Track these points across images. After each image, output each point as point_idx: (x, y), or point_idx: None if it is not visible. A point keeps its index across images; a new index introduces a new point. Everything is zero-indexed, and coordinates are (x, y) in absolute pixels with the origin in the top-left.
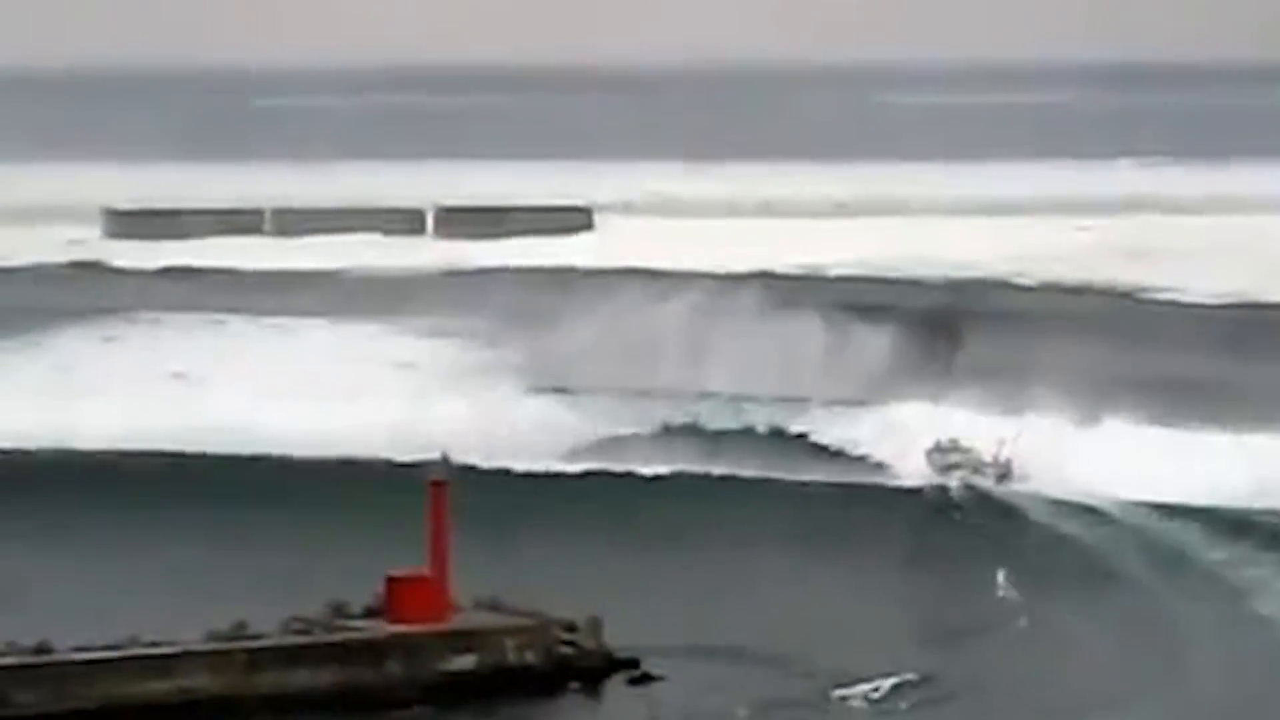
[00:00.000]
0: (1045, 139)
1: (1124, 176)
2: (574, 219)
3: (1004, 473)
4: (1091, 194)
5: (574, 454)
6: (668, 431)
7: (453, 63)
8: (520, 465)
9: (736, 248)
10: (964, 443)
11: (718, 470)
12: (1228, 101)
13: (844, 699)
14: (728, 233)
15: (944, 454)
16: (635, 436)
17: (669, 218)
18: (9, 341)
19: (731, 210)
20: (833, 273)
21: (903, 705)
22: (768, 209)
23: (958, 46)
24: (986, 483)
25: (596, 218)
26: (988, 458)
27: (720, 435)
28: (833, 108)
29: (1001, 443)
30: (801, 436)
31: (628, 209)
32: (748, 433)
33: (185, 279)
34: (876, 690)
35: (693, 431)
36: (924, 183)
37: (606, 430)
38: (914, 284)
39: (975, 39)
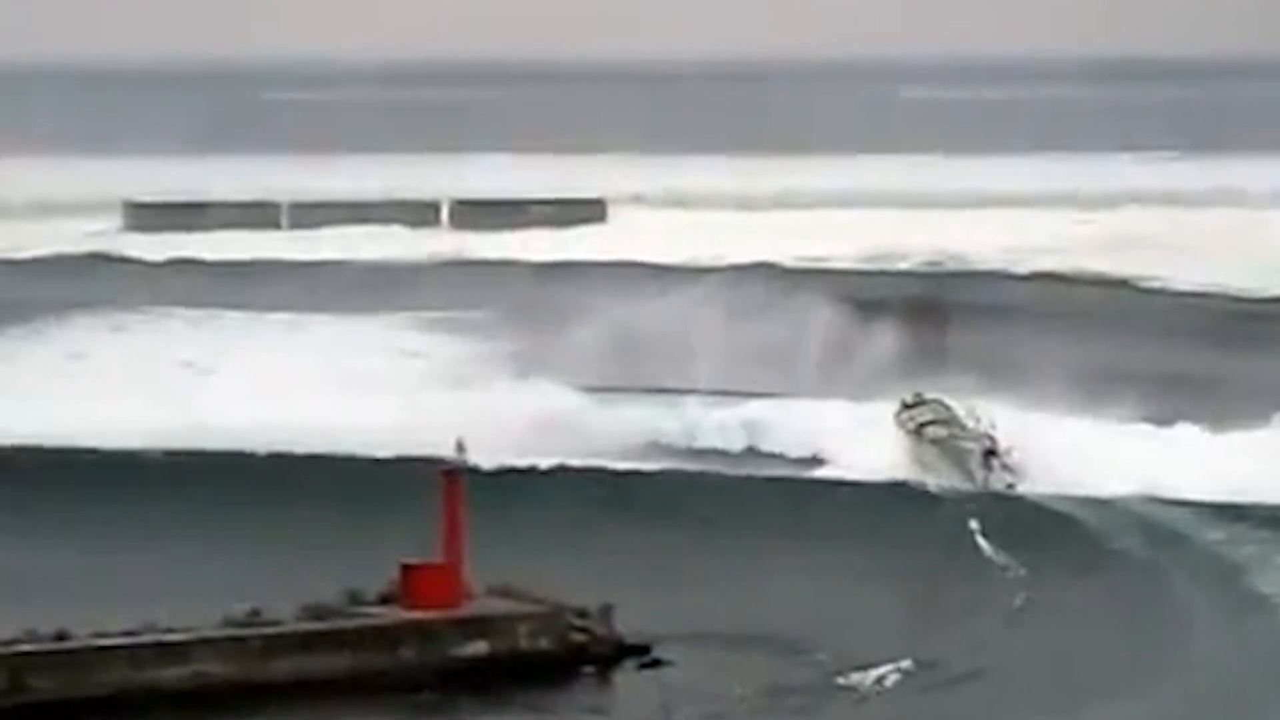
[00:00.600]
0: (1048, 133)
1: (1126, 170)
2: (588, 211)
3: (991, 449)
4: (1093, 187)
5: (550, 449)
6: (647, 425)
7: (464, 57)
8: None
9: (745, 240)
10: (929, 395)
11: (696, 466)
12: (1228, 95)
13: (849, 685)
14: (739, 225)
15: (911, 410)
16: (616, 431)
17: (683, 210)
18: (18, 329)
19: (744, 203)
20: (835, 265)
21: (905, 691)
22: (779, 201)
23: (965, 42)
24: (971, 455)
25: (610, 210)
26: (969, 422)
27: (700, 430)
28: (845, 102)
29: (978, 418)
30: (783, 432)
31: (643, 201)
32: (729, 429)
33: (197, 271)
34: (882, 678)
35: (672, 426)
36: (932, 176)
37: (589, 425)
38: (913, 276)
39: (980, 35)
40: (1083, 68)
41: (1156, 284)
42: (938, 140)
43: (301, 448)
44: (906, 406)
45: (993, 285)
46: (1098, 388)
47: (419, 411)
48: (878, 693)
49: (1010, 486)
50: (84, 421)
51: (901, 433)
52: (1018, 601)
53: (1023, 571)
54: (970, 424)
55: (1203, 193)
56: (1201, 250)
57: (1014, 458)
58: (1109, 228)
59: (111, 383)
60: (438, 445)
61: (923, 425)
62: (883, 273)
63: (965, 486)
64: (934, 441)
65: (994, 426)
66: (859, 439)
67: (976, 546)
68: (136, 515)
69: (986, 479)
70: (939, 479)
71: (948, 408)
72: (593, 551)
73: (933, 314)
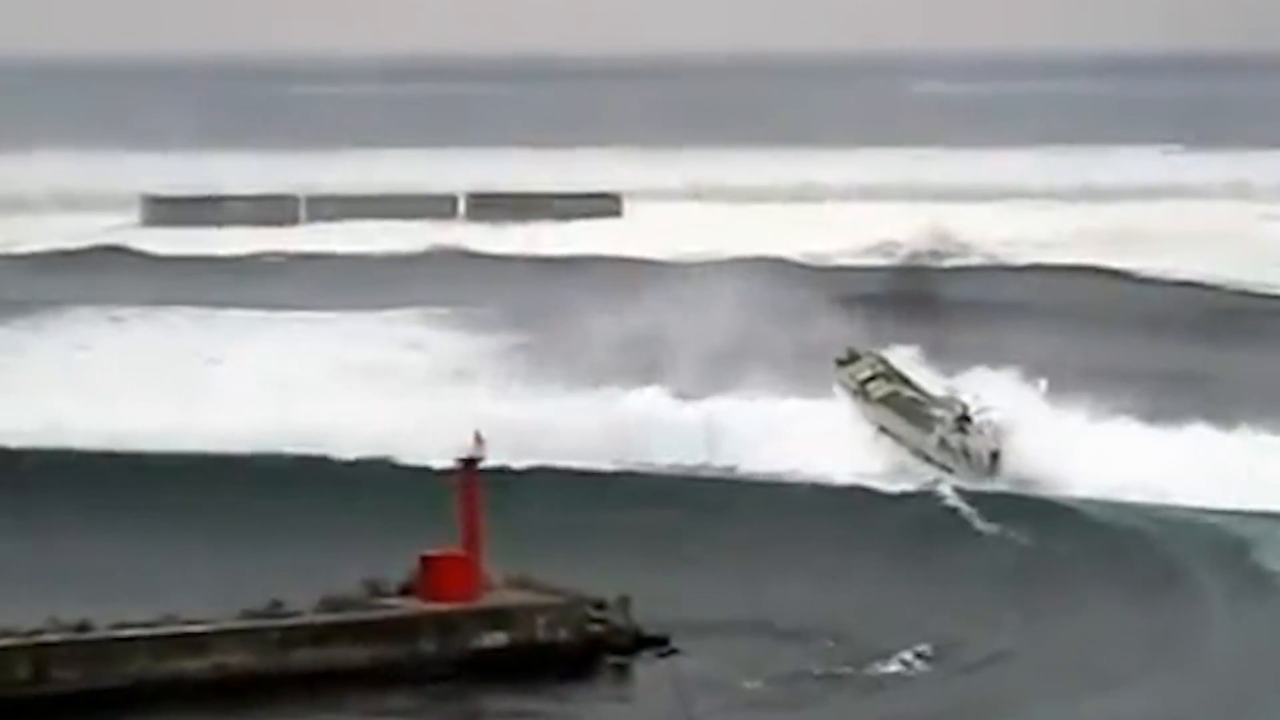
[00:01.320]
0: (1055, 127)
1: (1131, 163)
2: (603, 205)
3: (964, 414)
4: (1098, 180)
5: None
6: (616, 424)
7: (480, 53)
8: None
9: (759, 234)
10: (860, 348)
11: (661, 470)
12: (1234, 90)
13: (864, 672)
14: (753, 219)
15: (849, 367)
16: (585, 429)
17: (699, 203)
18: (21, 320)
19: (758, 196)
20: (842, 261)
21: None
22: (796, 194)
23: (974, 38)
24: (943, 422)
25: (625, 204)
26: (935, 390)
27: (668, 429)
28: (857, 96)
29: (950, 388)
30: (770, 432)
31: (658, 196)
32: (718, 428)
33: (208, 266)
34: (905, 663)
35: (642, 426)
36: (940, 169)
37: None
38: (915, 271)
39: (989, 31)
40: (1088, 62)
41: (1155, 276)
42: (946, 134)
43: (296, 448)
44: (842, 364)
45: (997, 279)
46: (1084, 382)
47: (407, 413)
48: (894, 680)
49: (995, 455)
50: (87, 415)
51: (847, 394)
52: (1021, 584)
53: (1017, 555)
54: (935, 390)
55: (1207, 186)
56: (1203, 243)
57: (994, 420)
58: (1112, 220)
59: (112, 374)
60: (419, 447)
61: (864, 382)
62: (887, 268)
63: (941, 456)
64: (883, 401)
65: (967, 394)
66: (844, 437)
67: (973, 526)
68: (148, 514)
69: (964, 443)
70: (910, 445)
71: (884, 360)
72: (587, 550)
73: (933, 309)
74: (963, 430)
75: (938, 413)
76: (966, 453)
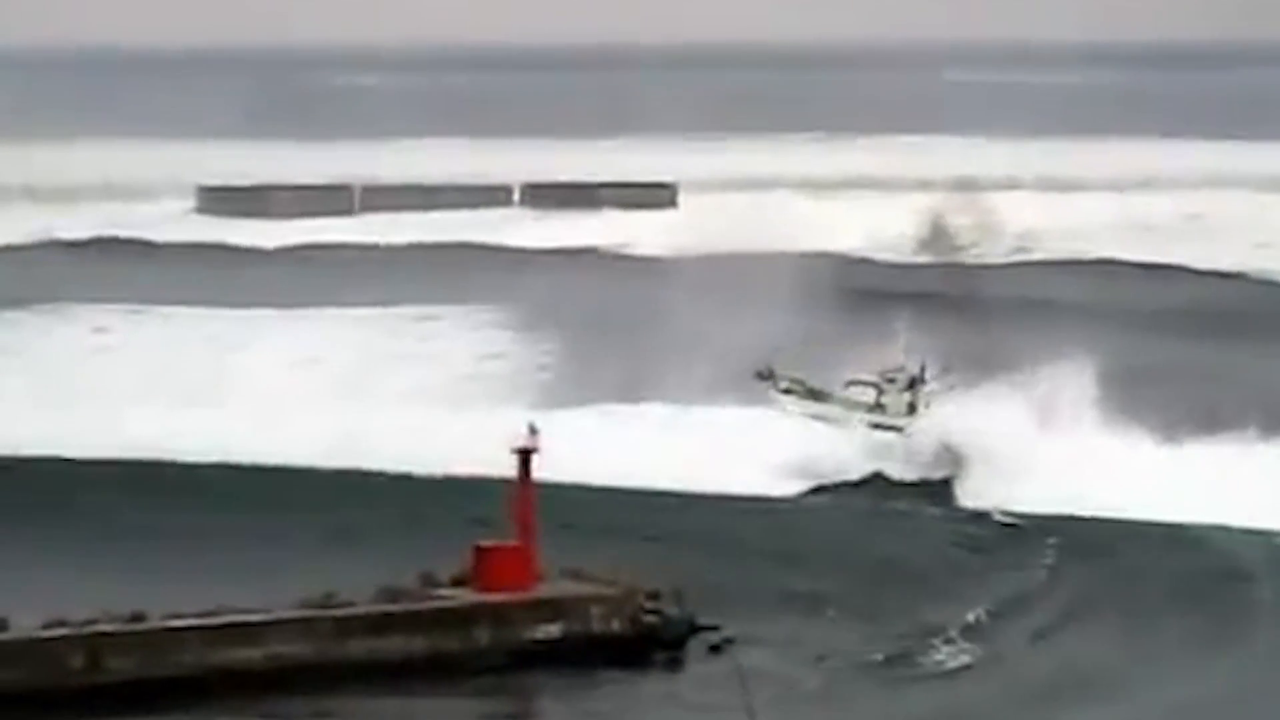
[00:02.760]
0: (1092, 118)
1: (1173, 155)
2: (658, 196)
3: (918, 377)
4: (1131, 171)
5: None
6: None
7: (534, 42)
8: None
9: (802, 226)
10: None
11: (632, 483)
12: (1268, 81)
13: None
14: (801, 209)
15: (768, 381)
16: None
17: (752, 194)
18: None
19: (802, 185)
20: (887, 256)
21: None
22: (851, 183)
23: (1022, 27)
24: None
25: (680, 195)
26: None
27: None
28: (899, 86)
29: (901, 367)
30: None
31: (706, 186)
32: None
33: (255, 256)
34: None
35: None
36: (975, 158)
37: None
38: (954, 267)
39: (1037, 20)
40: (1127, 52)
41: (1191, 267)
42: (983, 123)
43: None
44: (761, 378)
45: (1039, 273)
46: (1134, 391)
47: (398, 424)
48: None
49: (926, 405)
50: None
51: (775, 393)
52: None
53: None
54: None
55: (1246, 177)
56: (1242, 235)
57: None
58: (1149, 212)
59: (130, 368)
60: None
61: (784, 391)
62: (930, 265)
63: (873, 416)
64: (815, 396)
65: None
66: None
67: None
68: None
69: (912, 399)
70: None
71: (800, 380)
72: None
73: (975, 309)
74: (913, 389)
75: (864, 396)
76: (914, 407)
